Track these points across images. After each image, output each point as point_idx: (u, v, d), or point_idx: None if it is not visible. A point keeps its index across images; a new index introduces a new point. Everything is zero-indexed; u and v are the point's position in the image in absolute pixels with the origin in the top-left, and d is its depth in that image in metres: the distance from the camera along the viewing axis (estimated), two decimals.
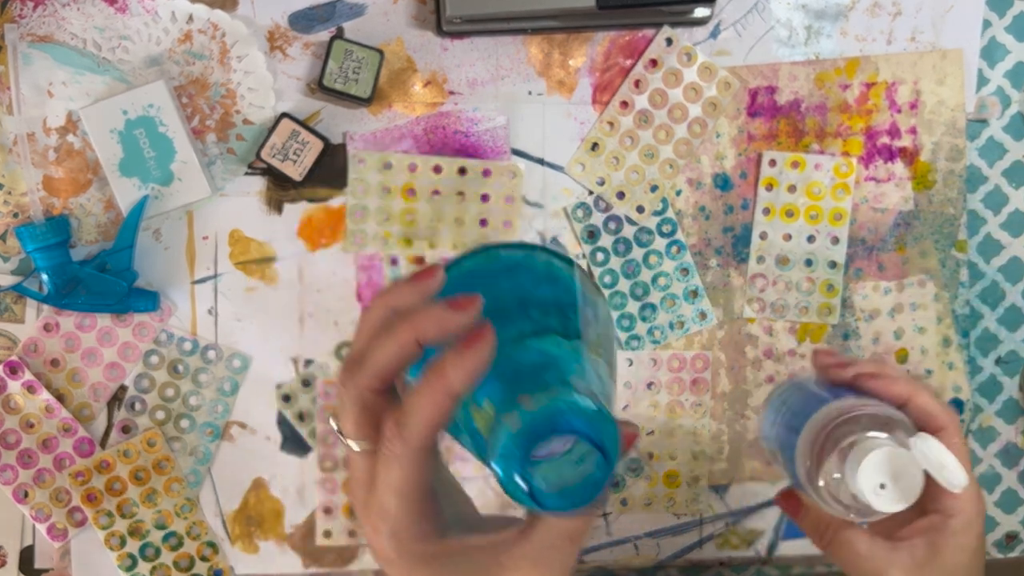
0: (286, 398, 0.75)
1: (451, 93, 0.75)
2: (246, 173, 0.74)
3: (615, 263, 0.76)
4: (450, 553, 0.41)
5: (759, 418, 0.57)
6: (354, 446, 0.41)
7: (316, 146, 0.72)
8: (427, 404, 0.37)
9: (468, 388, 0.37)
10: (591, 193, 0.76)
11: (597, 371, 0.41)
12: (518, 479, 0.36)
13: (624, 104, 0.75)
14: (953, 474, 0.48)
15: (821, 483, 0.51)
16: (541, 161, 0.76)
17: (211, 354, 0.75)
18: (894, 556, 0.53)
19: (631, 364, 0.77)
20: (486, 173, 0.75)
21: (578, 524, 0.41)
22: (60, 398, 0.74)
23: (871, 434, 0.50)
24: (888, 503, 0.49)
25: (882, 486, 0.49)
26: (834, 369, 0.56)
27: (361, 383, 0.40)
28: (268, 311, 0.75)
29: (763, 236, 0.76)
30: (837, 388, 0.55)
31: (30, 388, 0.74)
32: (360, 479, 0.41)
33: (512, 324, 0.41)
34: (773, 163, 0.76)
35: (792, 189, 0.76)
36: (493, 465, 0.36)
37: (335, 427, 0.42)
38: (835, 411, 0.52)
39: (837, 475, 0.51)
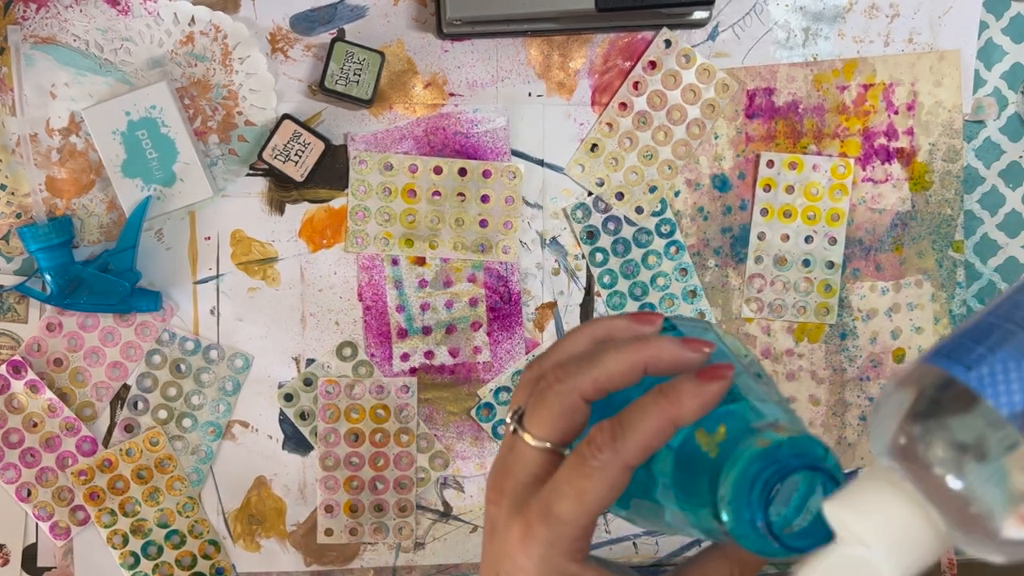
0: (288, 397, 0.76)
1: (451, 95, 0.75)
2: (248, 174, 0.75)
3: (614, 263, 0.77)
4: None
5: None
6: (532, 442, 0.39)
7: (317, 147, 0.73)
8: (652, 423, 0.36)
9: (693, 421, 0.36)
10: (590, 194, 0.76)
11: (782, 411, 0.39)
12: (756, 515, 0.34)
13: (623, 105, 0.75)
14: None
15: None
16: (541, 162, 0.76)
17: (213, 353, 0.75)
18: None
19: None
20: (486, 174, 0.75)
21: (760, 562, 0.38)
22: (63, 397, 0.74)
23: None
24: None
25: None
26: None
27: (581, 386, 0.38)
28: (270, 311, 0.75)
29: (761, 237, 0.77)
30: None
31: (33, 387, 0.74)
32: (524, 476, 0.39)
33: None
34: (771, 164, 0.76)
35: (790, 190, 0.76)
36: (724, 494, 0.34)
37: (509, 418, 0.41)
38: None
39: None
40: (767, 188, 0.77)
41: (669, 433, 0.36)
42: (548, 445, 0.39)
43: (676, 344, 0.39)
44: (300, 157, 0.73)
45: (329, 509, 0.76)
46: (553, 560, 0.37)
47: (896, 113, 0.77)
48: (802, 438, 0.35)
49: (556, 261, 0.77)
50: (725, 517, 0.35)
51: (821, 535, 0.34)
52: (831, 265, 0.77)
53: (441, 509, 0.77)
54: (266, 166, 0.74)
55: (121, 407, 0.75)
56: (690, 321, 0.43)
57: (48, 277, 0.71)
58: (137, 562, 0.76)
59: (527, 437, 0.39)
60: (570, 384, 0.39)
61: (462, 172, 0.75)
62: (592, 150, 0.76)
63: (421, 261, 0.76)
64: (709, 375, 0.36)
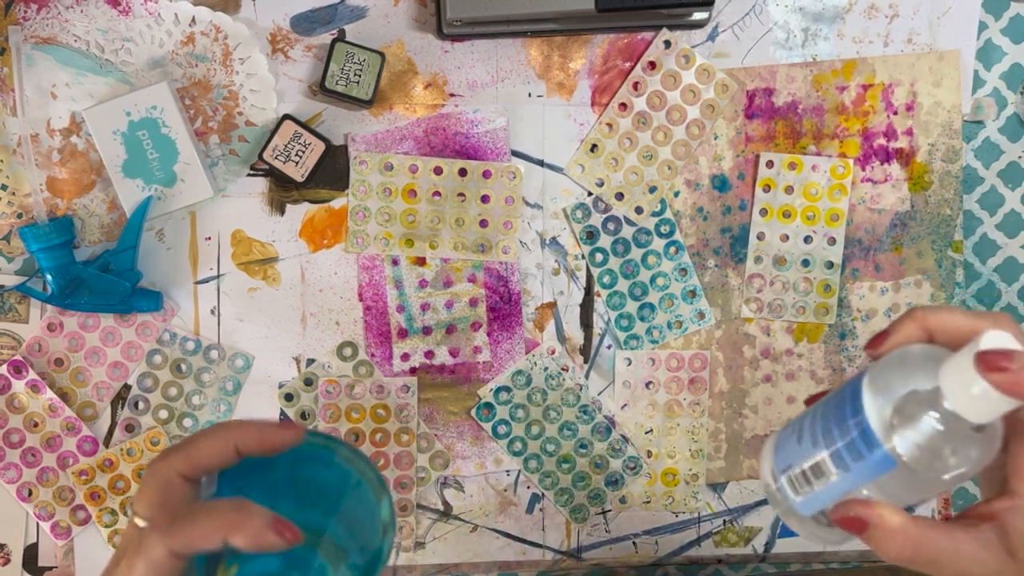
0: (288, 397, 0.76)
1: (451, 95, 0.75)
2: (248, 174, 0.75)
3: (614, 263, 0.77)
4: None
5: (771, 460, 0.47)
6: (140, 522, 0.43)
7: (318, 147, 0.73)
8: (208, 526, 0.40)
9: (241, 547, 0.40)
10: (590, 194, 0.76)
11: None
12: None
13: (623, 106, 0.76)
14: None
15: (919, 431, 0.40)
16: (541, 162, 0.76)
17: (214, 353, 0.75)
18: (961, 545, 0.42)
19: (629, 363, 0.77)
20: (486, 174, 0.75)
21: None
22: (64, 397, 0.75)
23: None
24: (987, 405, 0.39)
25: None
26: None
27: (175, 463, 0.43)
28: (270, 311, 0.76)
29: (760, 237, 0.77)
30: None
31: (34, 387, 0.74)
32: (125, 548, 0.43)
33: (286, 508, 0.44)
34: (770, 164, 0.76)
35: (789, 190, 0.77)
36: None
37: (130, 510, 0.45)
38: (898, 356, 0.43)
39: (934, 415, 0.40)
40: (766, 188, 0.77)
41: (216, 541, 0.40)
42: (149, 523, 0.43)
43: (262, 425, 0.44)
44: (301, 157, 0.73)
45: None
46: None
47: (895, 113, 0.77)
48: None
49: (556, 261, 0.77)
50: None
51: None
52: (830, 265, 0.77)
53: (441, 509, 0.78)
54: (267, 166, 0.74)
55: (122, 407, 0.75)
56: (340, 444, 0.48)
57: (49, 277, 0.71)
58: None
59: (135, 518, 0.43)
60: (166, 462, 0.43)
61: (462, 172, 0.75)
62: (592, 150, 0.76)
63: (421, 261, 0.76)
64: (279, 529, 0.40)
